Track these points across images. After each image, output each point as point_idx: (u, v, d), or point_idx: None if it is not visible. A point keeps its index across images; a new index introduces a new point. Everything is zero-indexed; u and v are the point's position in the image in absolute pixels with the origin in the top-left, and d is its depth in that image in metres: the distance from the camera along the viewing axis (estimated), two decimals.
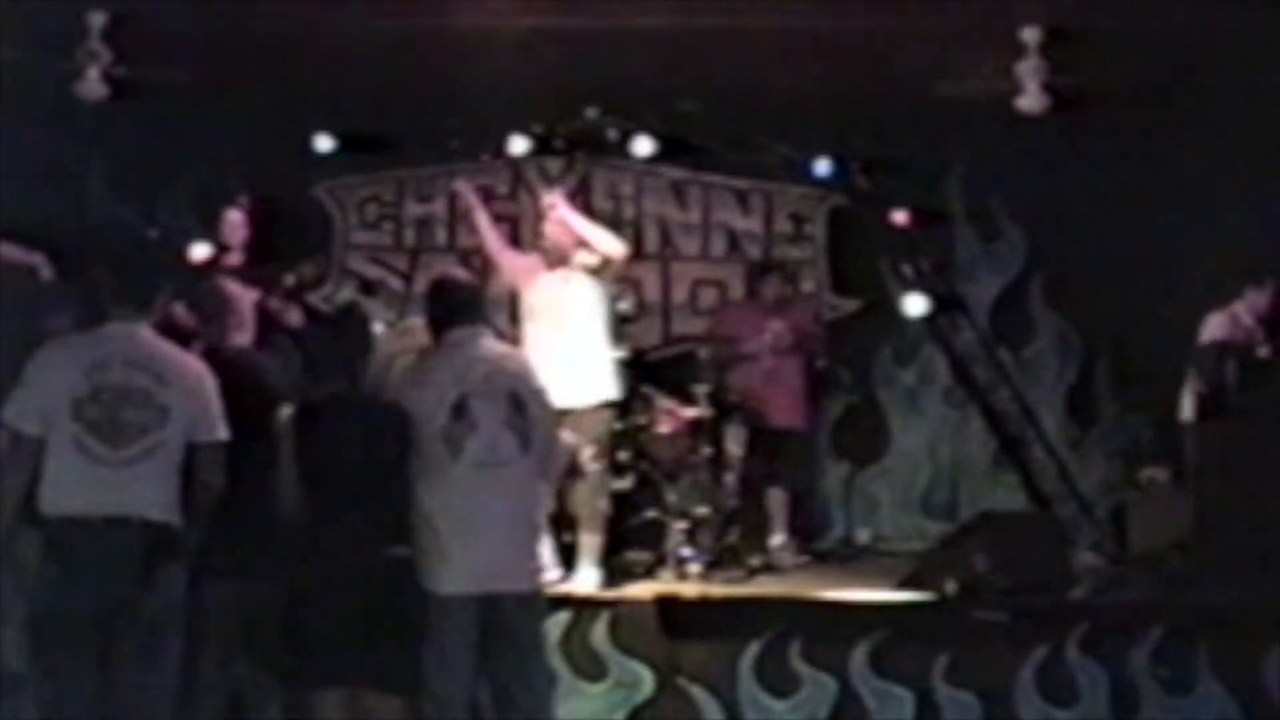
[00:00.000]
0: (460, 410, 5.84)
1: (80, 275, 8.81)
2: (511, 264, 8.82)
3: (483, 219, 9.02)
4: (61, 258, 9.24)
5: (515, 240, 9.68)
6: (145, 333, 5.76)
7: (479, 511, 5.86)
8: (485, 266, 9.28)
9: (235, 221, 9.24)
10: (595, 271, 8.45)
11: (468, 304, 6.11)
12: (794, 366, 9.48)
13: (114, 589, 5.54)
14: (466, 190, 9.21)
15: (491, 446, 5.89)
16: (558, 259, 8.53)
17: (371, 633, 5.73)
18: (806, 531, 9.82)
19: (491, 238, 8.99)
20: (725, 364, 9.42)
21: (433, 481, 5.82)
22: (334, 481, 5.75)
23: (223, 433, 5.77)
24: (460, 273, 6.87)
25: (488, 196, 9.90)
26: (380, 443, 5.81)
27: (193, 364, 5.83)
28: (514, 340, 8.02)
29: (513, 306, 8.79)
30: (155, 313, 5.85)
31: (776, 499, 9.47)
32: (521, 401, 6.01)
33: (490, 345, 6.15)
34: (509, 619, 5.96)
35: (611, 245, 8.55)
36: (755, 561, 9.16)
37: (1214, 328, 9.11)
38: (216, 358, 6.05)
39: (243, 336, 6.58)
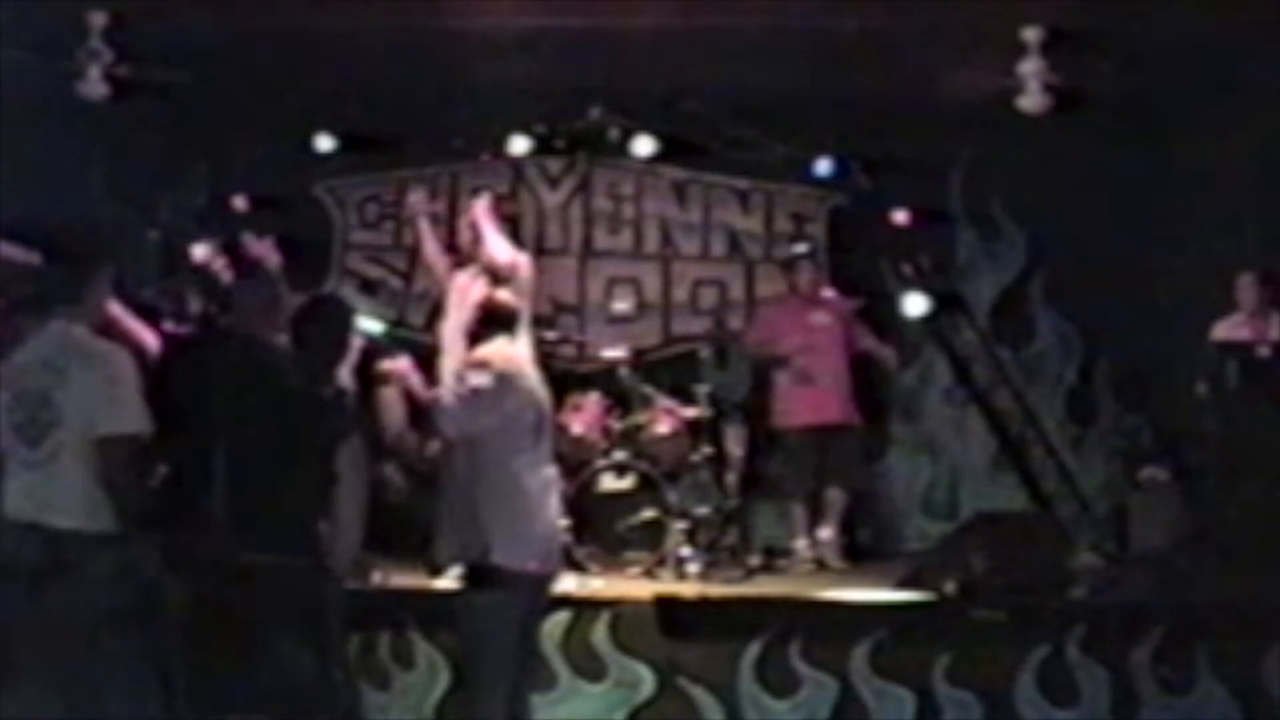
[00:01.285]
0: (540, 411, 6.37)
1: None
2: (446, 269, 8.89)
3: (425, 227, 9.14)
4: (61, 258, 9.22)
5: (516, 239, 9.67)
6: (73, 330, 5.49)
7: (550, 497, 6.39)
8: (411, 266, 9.91)
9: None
10: (499, 279, 8.36)
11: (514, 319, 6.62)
12: (835, 360, 9.41)
13: (30, 598, 5.31)
14: (419, 202, 9.29)
15: (550, 441, 6.45)
16: (466, 257, 8.72)
17: (237, 655, 5.56)
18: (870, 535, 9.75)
19: (430, 244, 9.11)
20: (766, 365, 9.43)
21: (527, 463, 6.23)
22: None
23: (132, 425, 5.39)
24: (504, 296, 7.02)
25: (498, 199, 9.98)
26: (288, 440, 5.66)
27: (109, 356, 5.47)
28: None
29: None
30: (92, 309, 5.68)
31: (834, 496, 9.42)
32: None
33: None
34: (541, 602, 6.49)
35: (499, 253, 8.43)
36: (755, 561, 9.17)
37: (1220, 332, 9.12)
38: (249, 350, 5.89)
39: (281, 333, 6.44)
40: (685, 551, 8.84)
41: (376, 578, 8.37)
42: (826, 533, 9.37)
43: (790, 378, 9.38)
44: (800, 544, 9.37)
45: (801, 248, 9.85)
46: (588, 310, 10.31)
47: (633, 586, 8.46)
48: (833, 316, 9.51)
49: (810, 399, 9.35)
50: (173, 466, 5.61)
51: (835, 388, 9.40)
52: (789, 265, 9.81)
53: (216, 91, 9.64)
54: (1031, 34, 9.42)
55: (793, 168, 9.98)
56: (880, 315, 10.04)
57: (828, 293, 9.69)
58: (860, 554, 9.68)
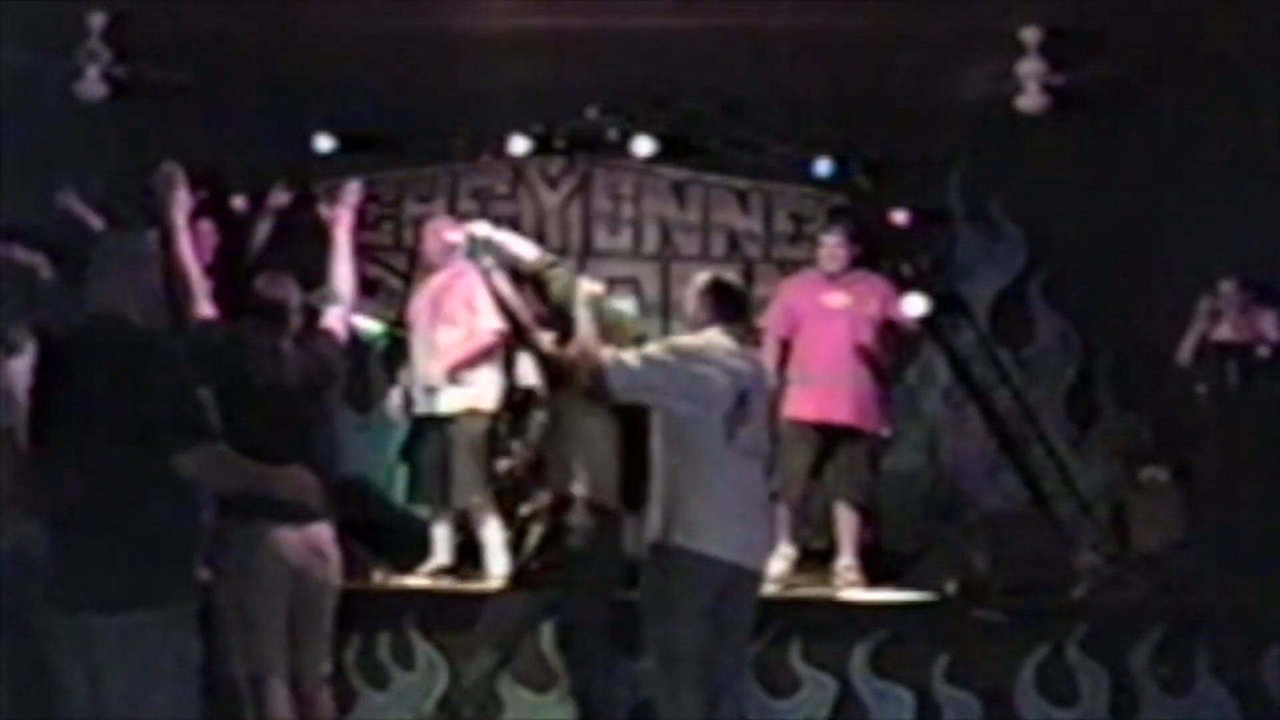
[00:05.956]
0: (742, 401, 6.27)
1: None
2: None
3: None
4: (61, 258, 9.23)
5: None
6: None
7: (743, 490, 6.29)
8: (411, 266, 10.04)
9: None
10: None
11: (740, 305, 6.57)
12: (848, 351, 8.87)
13: None
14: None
15: (757, 439, 6.39)
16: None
17: None
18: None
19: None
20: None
21: (710, 460, 6.22)
22: None
23: None
24: (732, 275, 7.12)
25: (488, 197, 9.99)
26: None
27: None
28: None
29: None
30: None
31: (844, 516, 8.83)
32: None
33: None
34: (746, 592, 6.35)
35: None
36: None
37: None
38: None
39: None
40: None
41: (377, 578, 8.38)
42: (846, 561, 8.74)
43: (791, 367, 8.92)
44: (784, 554, 8.65)
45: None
46: None
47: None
48: (853, 299, 8.99)
49: (812, 395, 8.89)
50: None
51: (844, 385, 8.90)
52: (824, 227, 9.47)
53: (216, 91, 9.65)
54: (1031, 34, 9.45)
55: (793, 168, 9.96)
56: None
57: (858, 271, 9.16)
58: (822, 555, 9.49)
